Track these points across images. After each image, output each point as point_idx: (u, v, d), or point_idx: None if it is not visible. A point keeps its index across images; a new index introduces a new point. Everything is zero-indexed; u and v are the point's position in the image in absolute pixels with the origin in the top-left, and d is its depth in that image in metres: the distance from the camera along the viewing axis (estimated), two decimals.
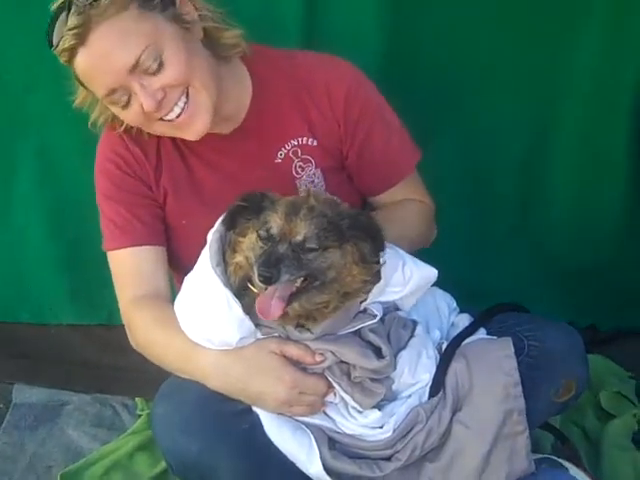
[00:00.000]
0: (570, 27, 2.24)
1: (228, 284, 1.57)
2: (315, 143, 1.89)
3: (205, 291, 1.59)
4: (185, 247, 1.85)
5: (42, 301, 2.60)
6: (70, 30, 1.61)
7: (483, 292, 2.18)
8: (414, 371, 1.64)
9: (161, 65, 1.65)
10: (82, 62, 1.65)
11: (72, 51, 1.64)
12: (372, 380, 1.60)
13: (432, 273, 1.66)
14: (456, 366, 1.65)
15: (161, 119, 1.72)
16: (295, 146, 1.88)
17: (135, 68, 1.64)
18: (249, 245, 1.55)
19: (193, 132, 1.75)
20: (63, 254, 2.52)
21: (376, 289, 1.56)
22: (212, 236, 1.62)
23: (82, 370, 2.59)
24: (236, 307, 1.54)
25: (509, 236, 2.54)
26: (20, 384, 2.55)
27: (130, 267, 1.83)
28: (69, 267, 2.54)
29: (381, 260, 1.55)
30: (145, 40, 1.63)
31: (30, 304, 2.61)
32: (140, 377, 2.16)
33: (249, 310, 1.55)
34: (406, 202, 1.97)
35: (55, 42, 1.65)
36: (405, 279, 1.61)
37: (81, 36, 1.61)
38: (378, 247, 1.54)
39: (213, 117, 1.74)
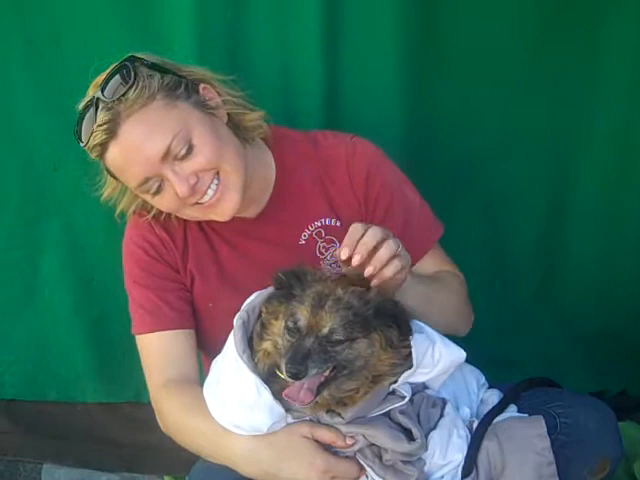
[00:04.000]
0: (589, 95, 2.29)
1: (256, 370, 1.57)
2: (339, 224, 1.90)
3: (234, 377, 1.58)
4: (212, 329, 1.86)
5: (69, 379, 2.60)
6: (100, 126, 1.65)
7: (510, 363, 2.17)
8: (445, 452, 1.62)
9: (190, 149, 1.68)
10: (114, 156, 1.69)
11: (103, 146, 1.68)
12: (404, 462, 1.58)
13: (461, 355, 1.64)
14: (488, 446, 1.63)
15: (196, 203, 1.74)
16: (319, 227, 1.90)
17: (167, 156, 1.67)
18: (278, 331, 1.55)
19: (224, 212, 1.76)
20: (89, 331, 2.53)
21: (406, 374, 1.56)
22: (236, 322, 1.62)
23: (110, 449, 2.57)
24: (266, 393, 1.54)
25: (532, 304, 2.55)
26: (49, 464, 2.54)
27: (159, 351, 1.83)
28: (95, 345, 2.54)
29: (411, 342, 1.54)
30: (174, 128, 1.66)
31: (57, 382, 2.60)
32: (169, 455, 2.14)
33: (279, 396, 1.54)
34: (442, 274, 1.94)
35: (85, 139, 1.69)
36: (434, 361, 1.60)
37: (111, 131, 1.65)
38: (405, 332, 1.53)
39: (242, 198, 1.76)
